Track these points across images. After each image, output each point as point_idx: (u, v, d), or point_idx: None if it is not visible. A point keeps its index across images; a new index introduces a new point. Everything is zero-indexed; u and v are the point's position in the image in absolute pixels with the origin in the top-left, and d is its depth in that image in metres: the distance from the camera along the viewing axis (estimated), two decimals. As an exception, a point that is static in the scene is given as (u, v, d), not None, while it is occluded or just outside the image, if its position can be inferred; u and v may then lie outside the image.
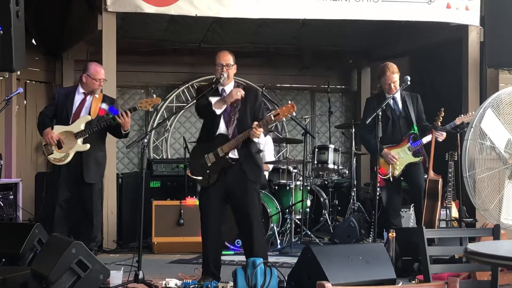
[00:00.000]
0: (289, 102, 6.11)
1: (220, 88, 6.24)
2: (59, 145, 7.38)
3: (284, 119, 6.04)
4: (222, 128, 6.15)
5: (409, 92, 7.75)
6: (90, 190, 7.48)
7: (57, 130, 7.43)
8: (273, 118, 5.98)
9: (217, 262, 6.30)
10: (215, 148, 6.11)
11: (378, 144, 7.16)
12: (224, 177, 6.16)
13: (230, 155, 6.13)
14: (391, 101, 7.55)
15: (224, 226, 6.36)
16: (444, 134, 7.52)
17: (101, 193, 7.69)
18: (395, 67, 7.56)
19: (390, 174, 7.52)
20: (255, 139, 6.06)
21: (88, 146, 7.35)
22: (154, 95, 7.44)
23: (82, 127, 7.36)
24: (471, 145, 6.21)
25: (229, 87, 6.25)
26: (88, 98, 7.49)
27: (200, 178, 6.19)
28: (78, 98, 7.50)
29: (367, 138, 7.61)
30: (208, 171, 6.14)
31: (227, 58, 6.23)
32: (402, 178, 7.69)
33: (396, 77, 7.49)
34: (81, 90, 7.51)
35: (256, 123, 5.99)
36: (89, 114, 7.41)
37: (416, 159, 7.58)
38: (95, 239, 7.58)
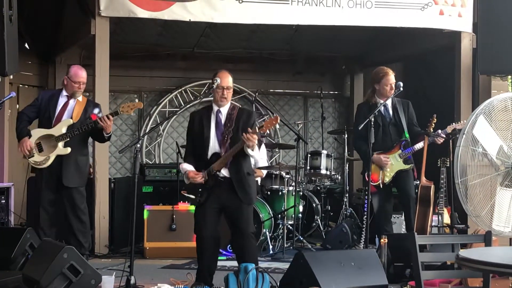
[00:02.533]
0: (274, 114, 6.12)
1: (216, 109, 6.25)
2: (40, 148, 7.38)
3: (268, 131, 6.04)
4: (215, 148, 6.17)
5: (400, 98, 7.76)
6: (70, 195, 7.43)
7: (39, 133, 7.42)
8: (257, 131, 5.98)
9: (211, 269, 6.29)
10: (209, 166, 6.14)
11: (370, 151, 7.16)
12: (219, 193, 6.16)
13: (223, 172, 6.14)
14: (382, 108, 7.55)
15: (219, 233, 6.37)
16: (443, 138, 7.50)
17: (84, 199, 7.62)
18: (392, 70, 7.62)
19: (380, 181, 7.53)
20: (250, 152, 6.03)
21: (69, 149, 7.33)
22: (136, 99, 7.43)
23: (64, 130, 7.34)
24: (463, 152, 6.23)
25: (225, 108, 6.27)
26: (71, 101, 7.50)
27: (193, 196, 6.21)
28: (61, 101, 7.51)
29: (359, 145, 7.63)
30: (200, 189, 6.16)
31: (229, 81, 6.23)
32: (392, 185, 7.69)
33: (394, 79, 7.53)
34: (64, 93, 7.54)
35: (249, 129, 5.97)
36: (71, 117, 7.41)
37: (407, 166, 7.58)
38: (84, 244, 7.52)
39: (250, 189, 6.20)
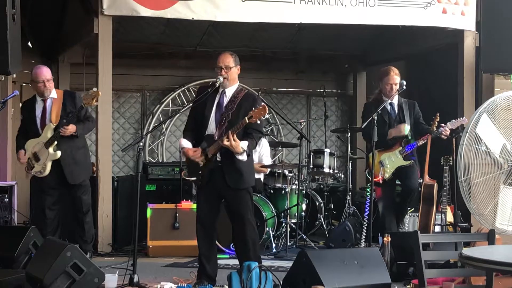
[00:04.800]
0: (262, 103, 6.09)
1: (221, 90, 6.21)
2: (37, 158, 7.39)
3: (258, 121, 6.00)
4: (211, 128, 6.14)
5: (407, 99, 7.80)
6: (75, 190, 7.49)
7: (31, 143, 7.45)
8: (247, 121, 5.95)
9: (213, 263, 6.29)
10: (204, 149, 6.12)
11: (373, 149, 7.18)
12: (215, 178, 6.14)
13: (218, 156, 6.12)
14: (388, 106, 7.59)
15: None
16: (448, 130, 7.51)
17: (89, 190, 7.67)
18: (397, 71, 7.65)
19: (380, 177, 7.56)
20: (239, 157, 6.00)
21: (59, 153, 7.34)
22: (94, 88, 7.30)
23: (49, 135, 7.35)
24: (466, 150, 6.25)
25: (231, 90, 6.22)
26: (48, 102, 7.48)
27: (194, 178, 6.20)
28: (38, 107, 7.50)
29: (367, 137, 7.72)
30: (200, 172, 6.14)
31: (227, 60, 6.18)
32: (398, 182, 7.73)
33: (398, 79, 7.56)
34: (38, 98, 7.51)
35: (229, 132, 5.92)
36: (51, 121, 7.39)
37: (406, 163, 7.60)
38: (89, 240, 7.55)
39: (238, 173, 6.10)
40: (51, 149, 7.33)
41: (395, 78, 7.54)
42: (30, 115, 7.53)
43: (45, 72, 7.47)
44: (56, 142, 7.32)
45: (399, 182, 7.81)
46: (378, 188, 7.68)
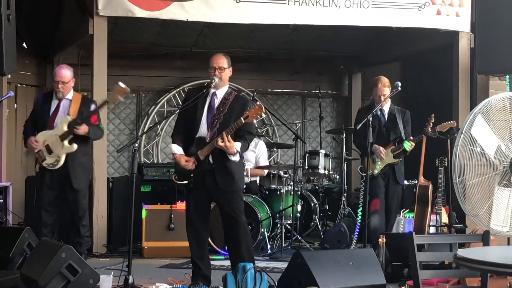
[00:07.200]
0: (258, 103, 6.09)
1: (212, 91, 6.20)
2: (49, 151, 7.36)
3: (254, 120, 5.97)
4: (202, 131, 6.13)
5: (400, 107, 7.85)
6: (75, 194, 7.47)
7: (43, 136, 7.40)
8: (243, 121, 5.94)
9: (207, 264, 6.30)
10: (195, 151, 6.10)
11: (369, 149, 7.20)
12: (206, 180, 6.13)
13: (210, 159, 6.11)
14: (379, 112, 7.69)
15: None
16: (413, 144, 7.65)
17: (87, 194, 7.67)
18: (387, 81, 7.72)
19: (370, 172, 7.60)
20: (232, 157, 6.01)
21: (75, 146, 7.31)
22: (121, 83, 7.14)
23: (65, 128, 7.32)
24: (461, 151, 6.25)
25: (221, 92, 6.22)
26: (64, 102, 7.46)
27: (185, 182, 6.19)
28: (53, 105, 7.49)
29: (358, 141, 7.75)
30: (192, 175, 6.13)
31: (221, 61, 6.20)
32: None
33: (387, 90, 7.65)
34: (55, 95, 7.49)
35: (223, 133, 5.92)
36: (69, 114, 7.37)
37: (395, 160, 7.71)
38: (84, 243, 7.55)
39: (229, 176, 6.11)
40: (66, 142, 7.30)
41: (383, 89, 7.66)
42: (44, 107, 7.48)
43: (63, 74, 7.44)
44: (72, 136, 7.30)
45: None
46: (376, 200, 7.68)
